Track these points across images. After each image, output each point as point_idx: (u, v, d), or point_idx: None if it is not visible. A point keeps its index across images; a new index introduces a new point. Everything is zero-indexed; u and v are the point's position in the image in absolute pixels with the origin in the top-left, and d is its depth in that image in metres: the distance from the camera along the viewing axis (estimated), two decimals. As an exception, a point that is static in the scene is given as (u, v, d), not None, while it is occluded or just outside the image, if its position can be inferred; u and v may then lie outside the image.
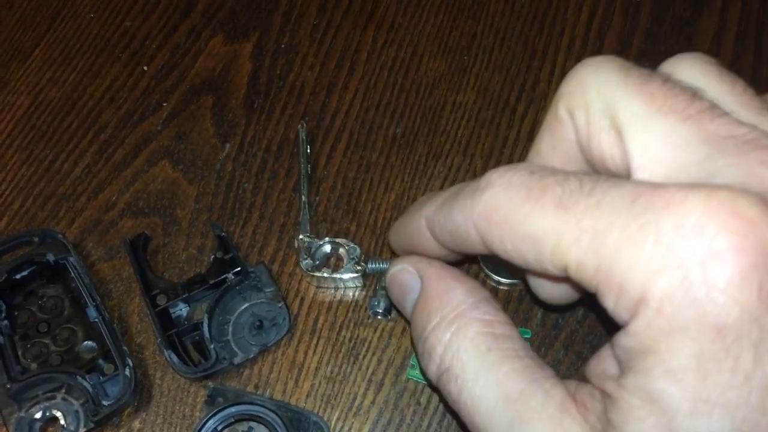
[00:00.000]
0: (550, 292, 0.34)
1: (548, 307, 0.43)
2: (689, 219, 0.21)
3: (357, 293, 0.44)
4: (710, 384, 0.21)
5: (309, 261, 0.44)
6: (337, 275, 0.43)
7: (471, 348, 0.29)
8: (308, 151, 0.48)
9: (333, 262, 0.45)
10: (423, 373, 0.32)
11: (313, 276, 0.44)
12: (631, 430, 0.23)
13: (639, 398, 0.23)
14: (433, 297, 0.32)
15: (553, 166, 0.27)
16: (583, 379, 0.27)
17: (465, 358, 0.29)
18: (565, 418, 0.25)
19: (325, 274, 0.43)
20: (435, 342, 0.30)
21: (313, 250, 0.44)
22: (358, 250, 0.44)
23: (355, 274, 0.43)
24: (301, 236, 0.45)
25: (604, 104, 0.26)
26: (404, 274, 0.34)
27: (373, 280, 0.44)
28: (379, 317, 0.43)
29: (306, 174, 0.47)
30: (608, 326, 0.39)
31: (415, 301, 0.33)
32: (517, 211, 0.26)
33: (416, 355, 0.39)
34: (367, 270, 0.44)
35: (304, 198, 0.46)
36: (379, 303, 0.43)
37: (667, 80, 0.26)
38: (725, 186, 0.22)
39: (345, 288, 0.44)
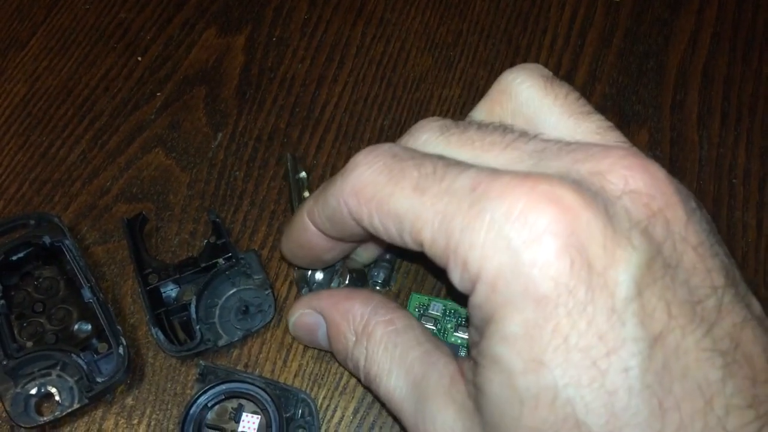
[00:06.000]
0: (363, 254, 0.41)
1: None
2: (516, 207, 0.25)
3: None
4: (536, 346, 0.25)
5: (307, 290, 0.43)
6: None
7: (381, 349, 0.34)
8: (300, 177, 0.46)
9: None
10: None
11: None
12: (487, 389, 0.27)
13: (487, 361, 0.26)
14: (339, 322, 0.36)
15: (413, 148, 0.31)
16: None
17: (379, 359, 0.34)
18: (453, 390, 0.30)
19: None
20: (358, 356, 0.35)
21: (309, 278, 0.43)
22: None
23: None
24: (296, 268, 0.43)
25: None
26: (305, 318, 0.39)
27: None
28: (377, 288, 0.45)
29: (297, 201, 0.45)
30: (457, 297, 0.43)
31: (325, 333, 0.38)
32: (381, 191, 0.29)
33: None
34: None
35: None
36: (378, 274, 0.44)
37: (479, 125, 0.31)
38: (548, 177, 0.26)
39: None
